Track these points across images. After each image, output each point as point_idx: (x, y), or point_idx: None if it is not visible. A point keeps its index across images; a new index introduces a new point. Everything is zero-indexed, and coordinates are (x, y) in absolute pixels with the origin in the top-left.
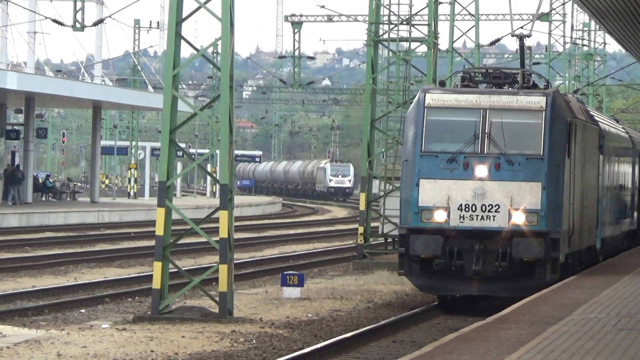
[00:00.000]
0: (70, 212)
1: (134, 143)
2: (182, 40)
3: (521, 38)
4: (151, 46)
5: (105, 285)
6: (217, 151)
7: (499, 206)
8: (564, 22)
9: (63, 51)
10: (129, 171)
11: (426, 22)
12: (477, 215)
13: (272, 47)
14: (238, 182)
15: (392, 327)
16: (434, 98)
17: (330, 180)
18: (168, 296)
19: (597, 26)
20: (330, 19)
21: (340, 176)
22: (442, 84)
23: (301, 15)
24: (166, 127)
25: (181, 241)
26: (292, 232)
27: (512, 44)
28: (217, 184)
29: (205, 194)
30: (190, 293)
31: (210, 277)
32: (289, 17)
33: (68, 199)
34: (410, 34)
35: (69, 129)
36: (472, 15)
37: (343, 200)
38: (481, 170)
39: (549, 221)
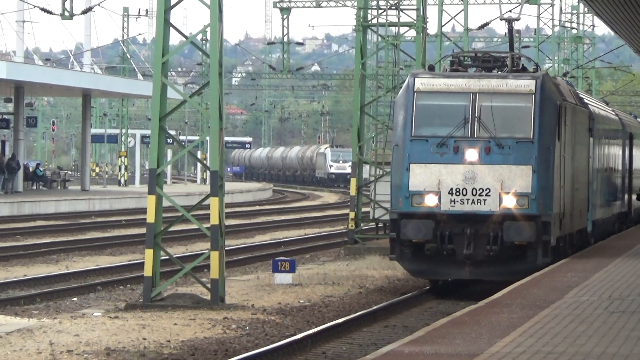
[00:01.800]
0: (61, 200)
1: (124, 131)
2: (171, 28)
3: (510, 21)
4: (140, 34)
5: (96, 273)
6: (207, 138)
7: (489, 190)
8: (552, 5)
9: (52, 40)
10: (119, 159)
11: (415, 7)
12: (467, 200)
13: (261, 34)
14: (229, 169)
15: (384, 312)
16: (423, 82)
17: (331, 166)
18: (160, 283)
19: (586, 9)
20: (319, 4)
21: (341, 162)
22: (432, 68)
23: (290, 1)
24: (156, 115)
25: (172, 228)
26: (283, 218)
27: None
28: (208, 171)
29: (195, 181)
30: (181, 280)
31: (201, 264)
32: (277, 3)
33: (59, 187)
34: (399, 19)
35: (58, 118)
36: None
37: (345, 187)
38: (471, 154)
39: (539, 204)
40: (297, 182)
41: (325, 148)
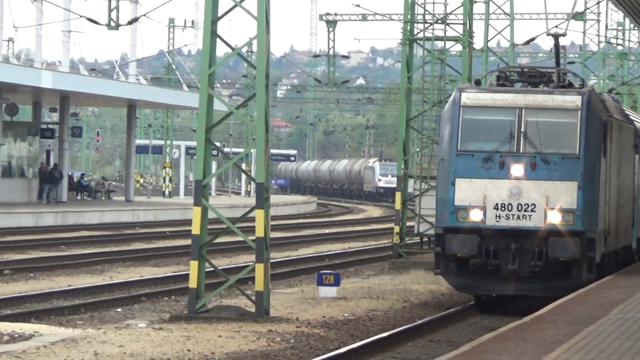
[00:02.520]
0: (105, 211)
1: (168, 142)
2: (218, 39)
3: (556, 37)
4: (186, 45)
5: (141, 284)
6: (252, 150)
7: (535, 205)
8: (598, 21)
9: (97, 50)
10: (164, 170)
11: (461, 21)
12: (513, 215)
13: (307, 46)
14: (273, 182)
15: (429, 327)
16: (469, 97)
17: (380, 180)
18: (204, 295)
19: (632, 25)
20: (364, 17)
21: (389, 176)
22: (478, 82)
23: (336, 14)
24: (202, 126)
25: (217, 240)
26: (327, 231)
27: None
28: (253, 183)
29: (239, 193)
30: (226, 292)
31: (246, 276)
32: (323, 16)
33: (103, 197)
34: (445, 33)
35: (103, 128)
36: (507, 14)
37: (393, 201)
38: (517, 169)
39: (585, 220)
40: (344, 195)
41: (374, 162)
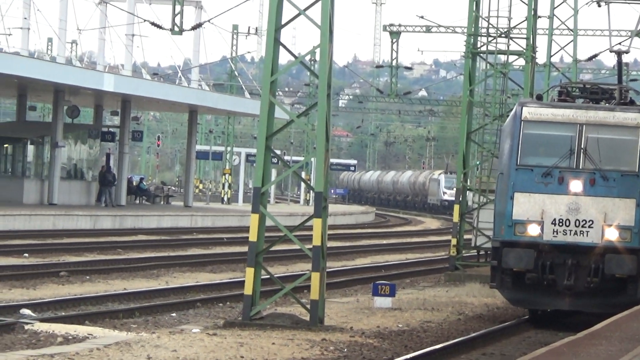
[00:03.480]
0: (163, 215)
1: (229, 148)
2: (281, 47)
3: (619, 54)
4: (249, 52)
5: (196, 289)
6: (312, 159)
7: (592, 222)
8: None
9: (160, 54)
10: (223, 176)
11: (525, 36)
12: (570, 230)
13: (370, 56)
14: (332, 191)
15: (482, 340)
16: (530, 112)
17: (444, 192)
18: (259, 302)
19: None
20: (428, 29)
21: (455, 188)
22: (539, 97)
23: (400, 25)
24: (262, 133)
25: (274, 248)
26: (384, 242)
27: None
28: (312, 192)
29: (298, 202)
30: (281, 300)
31: (302, 284)
32: (387, 27)
33: (161, 202)
34: (508, 47)
35: (164, 133)
36: (571, 30)
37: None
38: (576, 185)
39: None
40: (408, 207)
41: (439, 174)
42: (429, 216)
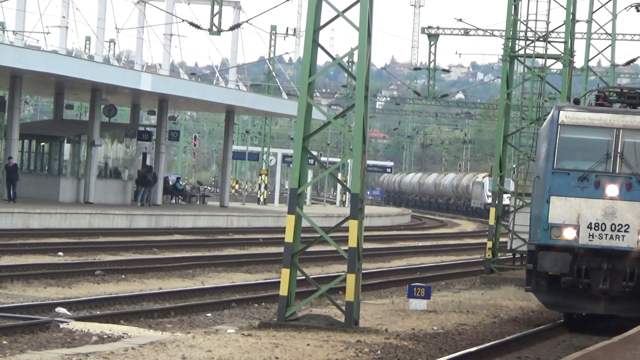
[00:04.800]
0: (199, 215)
1: (265, 149)
2: (319, 48)
3: None
4: (287, 53)
5: (232, 290)
6: (349, 160)
7: (628, 226)
8: None
9: (198, 54)
10: (260, 177)
11: (562, 40)
12: (606, 235)
13: (407, 58)
14: (368, 192)
15: (517, 343)
16: (568, 116)
17: (489, 196)
18: (295, 303)
19: None
20: (466, 32)
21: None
22: (577, 102)
23: (438, 28)
24: (299, 134)
25: (309, 249)
26: (420, 244)
27: None
28: (348, 193)
29: (334, 203)
30: (316, 301)
31: (337, 286)
32: (425, 29)
33: (197, 202)
34: (546, 51)
35: (200, 133)
36: (609, 35)
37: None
38: (612, 189)
39: None
40: (450, 210)
41: (483, 177)
42: (465, 218)
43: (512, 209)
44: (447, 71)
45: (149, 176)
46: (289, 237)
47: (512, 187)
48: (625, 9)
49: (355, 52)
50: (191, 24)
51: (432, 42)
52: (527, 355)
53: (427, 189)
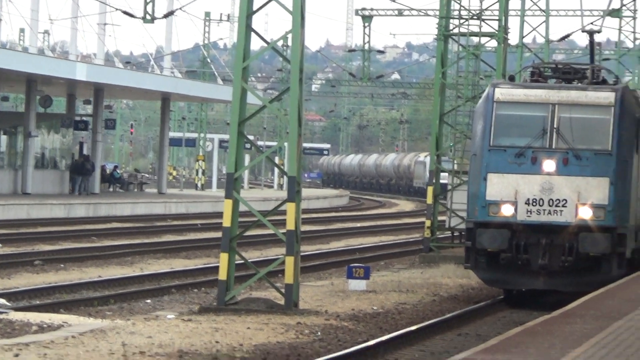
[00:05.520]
0: (137, 203)
1: (202, 135)
2: (253, 33)
3: (591, 34)
4: (221, 38)
5: (171, 276)
6: (285, 144)
7: (566, 201)
8: (634, 18)
9: (132, 43)
10: (197, 163)
11: (496, 17)
12: (544, 210)
13: (342, 41)
14: (306, 175)
15: (458, 321)
16: (503, 92)
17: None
18: (234, 287)
19: None
20: (400, 13)
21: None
22: (512, 78)
23: (372, 9)
24: (235, 119)
25: (248, 233)
26: (358, 225)
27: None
28: (285, 177)
29: (272, 187)
30: (256, 285)
31: (276, 269)
32: (359, 11)
33: (135, 190)
34: (480, 29)
35: (137, 120)
36: (543, 11)
37: (444, 198)
38: (549, 165)
39: (616, 216)
40: (392, 191)
41: (425, 156)
42: (403, 198)
43: (450, 187)
44: (382, 52)
45: (87, 165)
46: (226, 221)
47: (451, 166)
48: None
49: (289, 36)
50: (124, 12)
51: (367, 24)
52: (468, 332)
53: (367, 170)
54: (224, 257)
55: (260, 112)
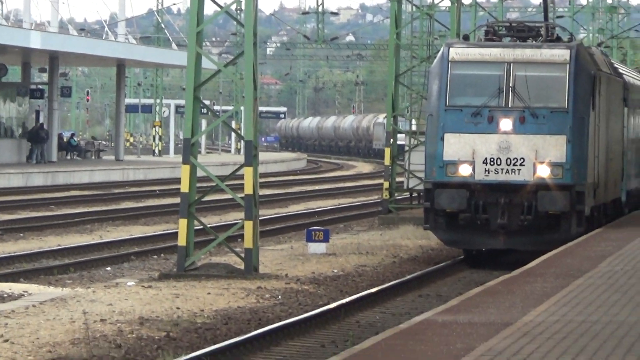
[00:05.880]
0: (95, 170)
1: (158, 101)
2: None
3: None
4: (174, 4)
5: (130, 243)
6: (242, 108)
7: (523, 160)
8: None
9: (86, 10)
10: (154, 129)
11: None
12: (502, 169)
13: (296, 3)
14: (263, 139)
15: (418, 282)
16: (458, 52)
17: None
18: (193, 253)
19: None
20: None
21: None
22: (466, 38)
23: None
24: (190, 84)
25: (206, 198)
26: (317, 188)
27: None
28: (242, 141)
29: (229, 151)
30: (215, 250)
31: (235, 233)
32: None
33: (93, 157)
34: None
35: (93, 88)
36: None
37: (402, 159)
38: (506, 123)
39: (574, 174)
40: (351, 153)
41: (384, 117)
42: (361, 160)
43: (407, 148)
44: (336, 14)
45: (42, 133)
46: (184, 187)
47: (408, 127)
48: None
49: (243, 0)
50: None
51: None
52: (429, 293)
53: (326, 133)
54: (182, 223)
55: (215, 77)
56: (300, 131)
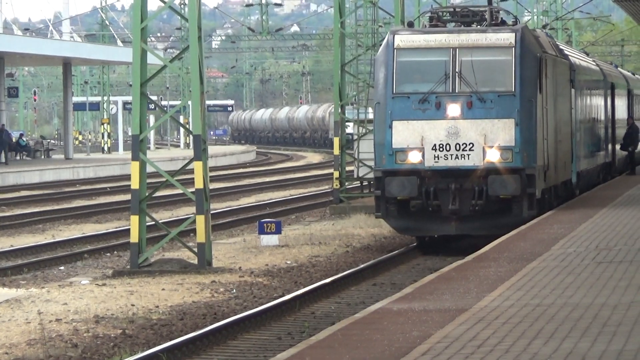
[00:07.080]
0: (45, 170)
1: (105, 98)
2: None
3: None
4: (118, 0)
5: (83, 241)
6: (189, 102)
7: (473, 144)
8: None
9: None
10: (102, 126)
11: None
12: (451, 155)
13: None
14: (211, 133)
15: (372, 271)
16: (403, 39)
17: (347, 126)
18: (146, 249)
19: None
20: None
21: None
22: (411, 24)
23: None
24: (137, 81)
25: (157, 194)
26: (267, 179)
27: None
28: (191, 135)
29: (179, 146)
30: (168, 245)
31: (187, 228)
32: None
33: (42, 156)
34: None
35: (40, 87)
36: None
37: (351, 148)
38: (453, 109)
39: (523, 157)
40: (306, 144)
41: None
42: (310, 150)
43: (355, 137)
44: (280, 5)
45: (3, 135)
46: (134, 183)
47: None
48: None
49: None
50: None
51: None
52: (383, 282)
53: (280, 124)
54: (134, 219)
55: (161, 72)
56: (252, 123)
